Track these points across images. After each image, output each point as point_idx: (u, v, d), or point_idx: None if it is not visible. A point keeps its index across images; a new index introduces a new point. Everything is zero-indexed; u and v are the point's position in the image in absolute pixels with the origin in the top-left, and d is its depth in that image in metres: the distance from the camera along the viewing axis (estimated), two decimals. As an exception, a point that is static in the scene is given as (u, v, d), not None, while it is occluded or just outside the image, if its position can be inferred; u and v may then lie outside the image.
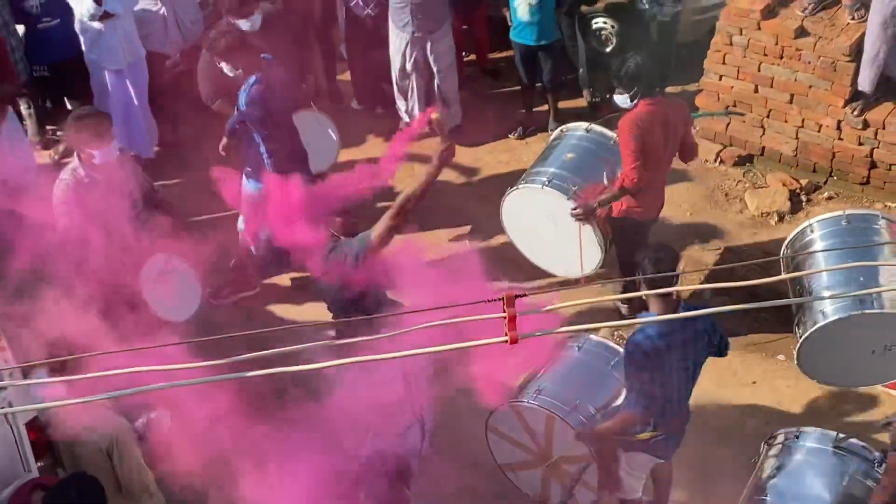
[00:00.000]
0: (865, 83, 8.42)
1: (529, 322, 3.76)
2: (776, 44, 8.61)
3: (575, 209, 7.38)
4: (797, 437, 6.15)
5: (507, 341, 3.49)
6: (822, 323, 6.61)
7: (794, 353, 6.90)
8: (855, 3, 8.51)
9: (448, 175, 9.42)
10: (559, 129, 8.27)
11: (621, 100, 7.20)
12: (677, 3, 9.10)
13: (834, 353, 6.77)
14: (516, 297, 3.46)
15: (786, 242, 7.22)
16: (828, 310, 6.66)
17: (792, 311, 7.09)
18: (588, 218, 7.41)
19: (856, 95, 8.56)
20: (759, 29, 8.66)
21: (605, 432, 6.26)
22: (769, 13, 8.63)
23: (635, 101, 7.16)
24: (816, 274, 6.98)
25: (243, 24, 7.83)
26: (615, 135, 7.60)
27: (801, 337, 6.74)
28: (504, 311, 3.45)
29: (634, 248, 7.24)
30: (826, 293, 6.77)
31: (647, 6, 9.06)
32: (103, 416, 6.04)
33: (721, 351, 6.28)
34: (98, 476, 6.01)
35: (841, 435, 5.97)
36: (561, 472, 6.65)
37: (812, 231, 7.06)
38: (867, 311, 6.55)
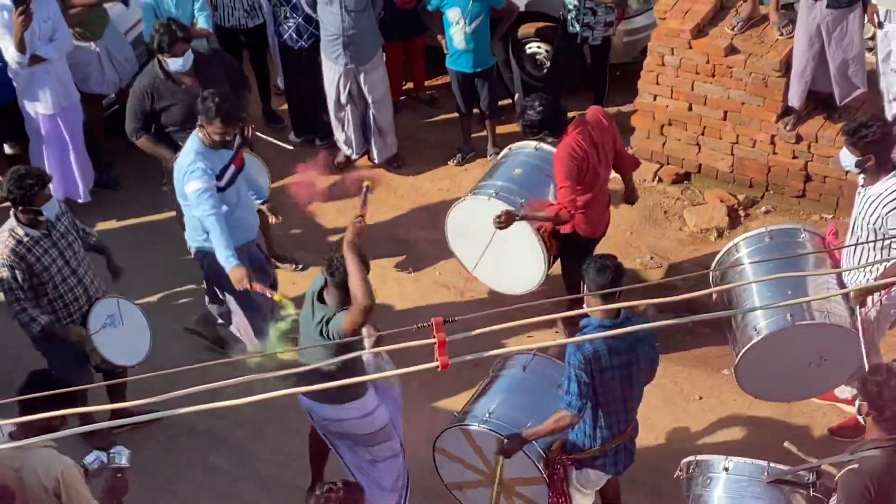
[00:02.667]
0: (795, 98, 8.54)
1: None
2: (707, 62, 8.72)
3: (498, 217, 7.42)
4: (727, 470, 6.07)
5: (437, 367, 3.51)
6: (756, 339, 6.66)
7: (733, 372, 6.97)
8: (782, 20, 8.65)
9: (390, 204, 9.44)
10: (507, 147, 8.35)
11: (542, 135, 7.42)
12: (609, 26, 9.17)
13: (772, 368, 6.82)
14: (445, 322, 3.50)
15: (714, 263, 7.28)
16: (761, 326, 6.71)
17: (726, 332, 7.16)
18: (508, 226, 7.46)
19: (788, 110, 8.67)
20: (691, 48, 8.76)
21: (531, 436, 6.28)
22: (699, 32, 8.75)
23: (554, 139, 7.33)
24: (747, 291, 7.02)
25: (173, 64, 7.83)
26: None
27: (737, 355, 6.79)
28: (434, 337, 3.49)
29: (580, 265, 7.31)
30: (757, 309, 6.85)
31: (578, 30, 9.13)
32: (47, 456, 5.97)
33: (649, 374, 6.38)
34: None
35: (772, 465, 5.98)
36: (512, 491, 6.67)
37: (738, 250, 7.12)
38: (799, 324, 6.61)
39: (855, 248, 6.86)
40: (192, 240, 7.59)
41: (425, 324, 3.62)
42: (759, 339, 6.64)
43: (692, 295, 4.16)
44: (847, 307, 6.77)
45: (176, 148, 8.00)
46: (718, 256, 7.30)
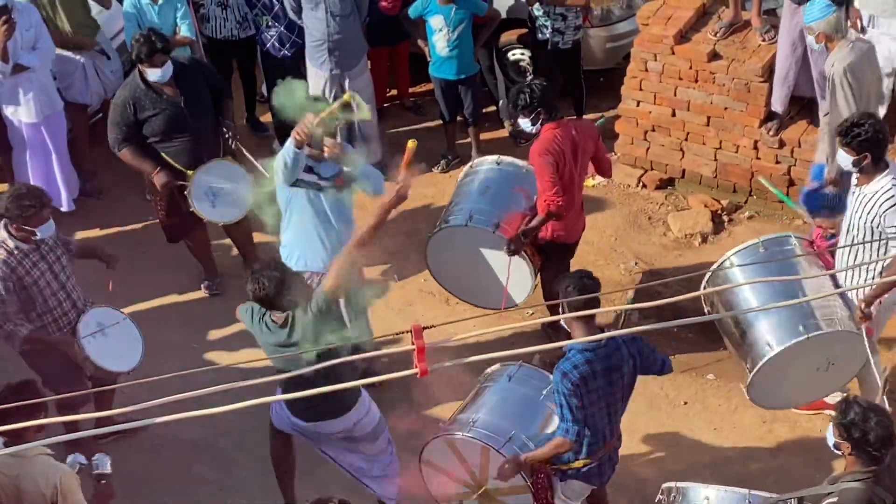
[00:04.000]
0: (777, 103, 8.57)
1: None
2: (690, 68, 8.75)
3: (508, 245, 7.43)
4: (707, 499, 6.00)
5: (417, 373, 3.51)
6: (771, 354, 6.67)
7: (745, 389, 6.95)
8: (764, 26, 8.68)
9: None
10: (468, 164, 8.33)
11: (525, 124, 7.32)
12: (578, 30, 9.22)
13: (783, 378, 6.86)
14: (424, 328, 3.51)
15: (706, 279, 7.23)
16: (773, 340, 6.72)
17: (730, 347, 7.17)
18: (519, 250, 7.46)
19: (771, 115, 8.71)
20: (673, 54, 8.80)
21: (530, 460, 6.27)
22: (682, 38, 8.78)
23: (538, 125, 7.28)
24: (746, 303, 7.03)
25: (152, 75, 7.83)
26: (526, 163, 7.69)
27: (751, 371, 6.78)
28: (412, 344, 3.50)
29: (561, 271, 7.30)
30: (762, 321, 6.84)
31: (548, 35, 9.18)
32: (45, 463, 6.06)
33: (662, 370, 6.36)
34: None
35: (752, 494, 5.94)
36: (495, 501, 6.67)
37: (731, 264, 7.11)
38: (813, 335, 6.64)
39: (850, 248, 6.89)
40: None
41: (405, 331, 3.64)
42: (774, 354, 6.67)
43: (682, 298, 4.16)
44: (845, 306, 6.81)
45: (159, 160, 8.04)
46: (711, 271, 7.26)
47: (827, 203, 7.85)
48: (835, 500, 5.36)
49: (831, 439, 5.44)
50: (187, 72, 8.09)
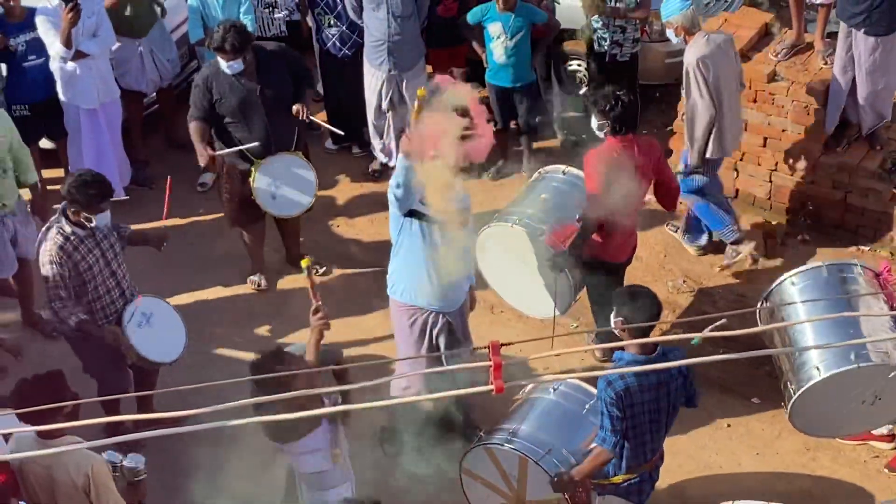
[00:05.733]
0: (829, 124, 8.59)
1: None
2: (749, 88, 8.70)
3: (553, 256, 7.39)
4: None
5: (492, 390, 3.47)
6: (817, 379, 6.59)
7: (787, 410, 6.89)
8: (827, 49, 8.64)
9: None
10: (538, 171, 8.34)
11: (594, 125, 7.37)
12: (636, 43, 9.28)
13: (826, 405, 6.79)
14: (502, 345, 3.48)
15: (763, 295, 7.18)
16: (822, 365, 6.64)
17: (777, 368, 7.09)
18: (560, 265, 7.42)
19: (829, 139, 8.68)
20: (733, 73, 8.75)
21: (579, 475, 6.23)
22: (742, 58, 8.73)
23: (602, 132, 7.30)
24: (800, 328, 6.94)
25: (223, 65, 8.04)
26: None
27: (795, 392, 6.73)
28: (490, 360, 3.46)
29: (605, 290, 7.27)
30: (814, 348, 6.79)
31: (605, 48, 9.22)
32: (77, 454, 6.16)
33: (690, 403, 6.31)
34: (69, 509, 6.20)
35: None
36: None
37: (793, 284, 7.05)
38: (864, 365, 6.54)
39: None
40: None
41: (483, 346, 3.59)
42: (820, 379, 6.60)
43: (744, 332, 4.08)
44: None
45: (229, 140, 8.22)
46: (770, 288, 7.19)
47: (696, 188, 8.23)
48: None
49: None
50: (271, 59, 8.25)
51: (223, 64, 8.02)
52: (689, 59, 7.82)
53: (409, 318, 6.99)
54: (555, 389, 6.85)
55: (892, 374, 6.59)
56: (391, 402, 6.60)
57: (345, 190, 9.87)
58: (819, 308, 6.90)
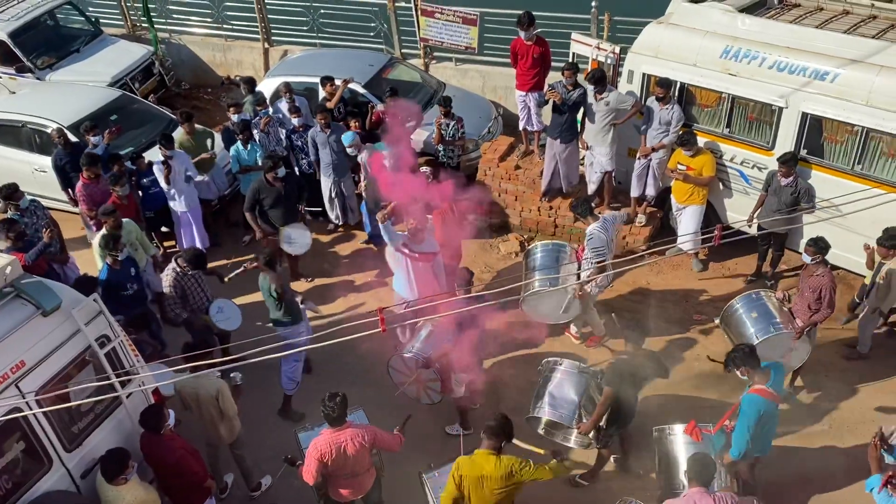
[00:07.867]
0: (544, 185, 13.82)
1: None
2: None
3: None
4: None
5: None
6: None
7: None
8: (541, 152, 13.43)
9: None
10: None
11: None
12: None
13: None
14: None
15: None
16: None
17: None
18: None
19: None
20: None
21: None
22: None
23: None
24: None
25: (270, 176, 13.15)
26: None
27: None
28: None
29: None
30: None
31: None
32: (212, 379, 9.49)
33: None
34: (210, 410, 9.42)
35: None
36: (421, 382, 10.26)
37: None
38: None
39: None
40: None
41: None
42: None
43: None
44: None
45: (269, 222, 13.17)
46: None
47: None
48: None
49: None
50: (287, 176, 13.45)
51: (272, 176, 12.86)
52: None
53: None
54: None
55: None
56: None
57: (318, 238, 15.06)
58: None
